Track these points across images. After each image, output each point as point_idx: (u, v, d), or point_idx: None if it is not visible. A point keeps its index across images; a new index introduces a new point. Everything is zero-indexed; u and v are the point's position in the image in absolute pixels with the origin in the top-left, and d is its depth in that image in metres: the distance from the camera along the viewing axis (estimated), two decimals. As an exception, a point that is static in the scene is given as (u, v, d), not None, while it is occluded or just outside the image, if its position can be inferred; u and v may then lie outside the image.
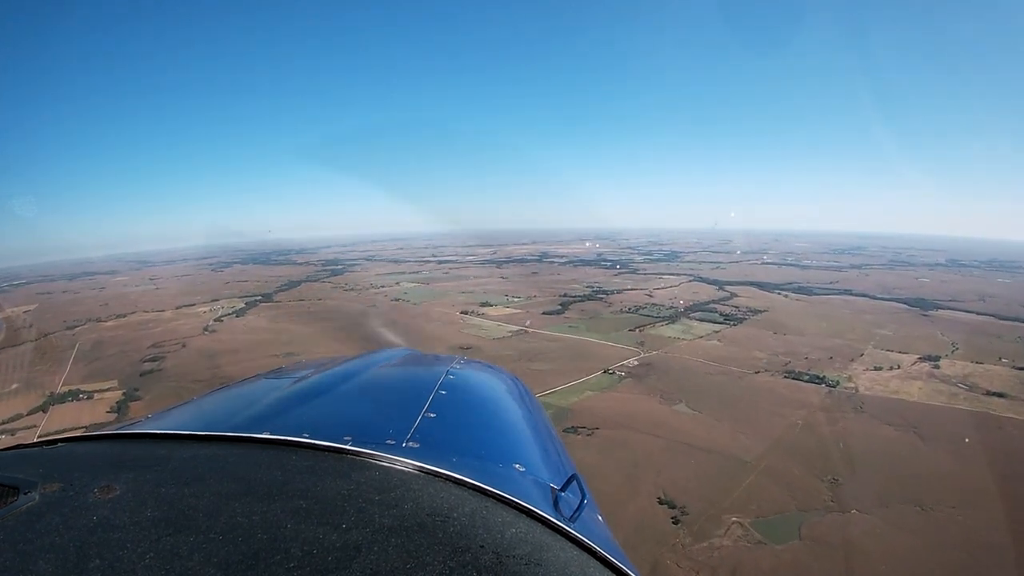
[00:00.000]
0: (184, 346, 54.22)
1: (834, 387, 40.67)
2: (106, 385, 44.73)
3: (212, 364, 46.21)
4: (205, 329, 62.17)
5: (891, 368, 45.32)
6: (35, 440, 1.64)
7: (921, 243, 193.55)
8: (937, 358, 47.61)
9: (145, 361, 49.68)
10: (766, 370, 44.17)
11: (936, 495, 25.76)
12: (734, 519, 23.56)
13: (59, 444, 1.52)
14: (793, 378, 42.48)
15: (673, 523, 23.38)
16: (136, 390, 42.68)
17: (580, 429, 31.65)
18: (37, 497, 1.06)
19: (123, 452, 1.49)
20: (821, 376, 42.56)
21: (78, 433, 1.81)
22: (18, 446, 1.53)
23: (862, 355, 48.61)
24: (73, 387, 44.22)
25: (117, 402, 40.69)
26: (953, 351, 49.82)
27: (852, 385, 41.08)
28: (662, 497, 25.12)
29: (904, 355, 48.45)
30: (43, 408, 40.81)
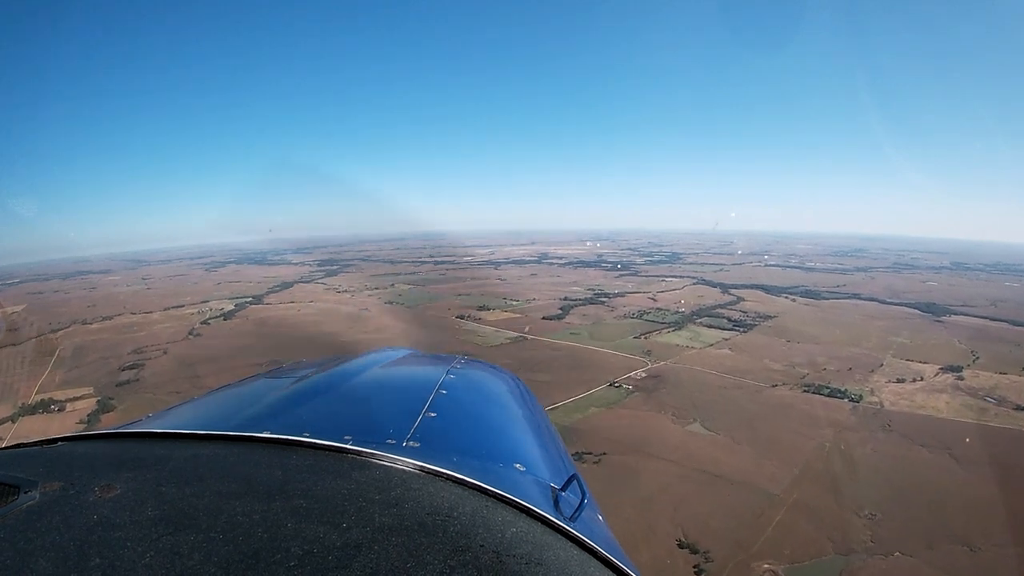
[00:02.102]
0: (166, 352, 52.05)
1: (857, 402, 38.17)
2: (80, 393, 43.15)
3: (192, 373, 43.88)
4: (190, 333, 59.97)
5: (914, 380, 42.92)
6: (35, 439, 1.59)
7: (923, 245, 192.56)
8: (959, 368, 45.51)
9: (124, 369, 48.05)
10: (783, 383, 41.59)
11: (983, 530, 23.35)
12: (766, 566, 20.78)
13: (59, 443, 1.51)
14: (813, 392, 39.95)
15: (696, 573, 20.66)
16: (111, 399, 41.00)
17: (586, 455, 28.69)
18: (37, 496, 1.07)
19: (123, 451, 1.47)
20: (843, 390, 40.11)
21: (79, 432, 1.73)
22: (18, 445, 1.53)
23: (882, 365, 46.27)
24: (47, 395, 42.46)
25: (89, 414, 38.95)
26: (974, 360, 47.80)
27: (876, 400, 38.56)
28: (682, 539, 22.32)
29: (925, 365, 46.23)
30: (12, 419, 38.68)
